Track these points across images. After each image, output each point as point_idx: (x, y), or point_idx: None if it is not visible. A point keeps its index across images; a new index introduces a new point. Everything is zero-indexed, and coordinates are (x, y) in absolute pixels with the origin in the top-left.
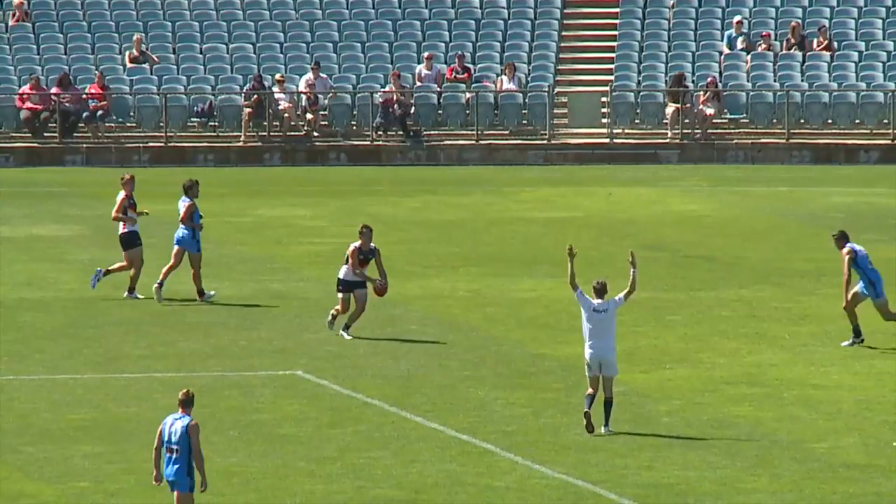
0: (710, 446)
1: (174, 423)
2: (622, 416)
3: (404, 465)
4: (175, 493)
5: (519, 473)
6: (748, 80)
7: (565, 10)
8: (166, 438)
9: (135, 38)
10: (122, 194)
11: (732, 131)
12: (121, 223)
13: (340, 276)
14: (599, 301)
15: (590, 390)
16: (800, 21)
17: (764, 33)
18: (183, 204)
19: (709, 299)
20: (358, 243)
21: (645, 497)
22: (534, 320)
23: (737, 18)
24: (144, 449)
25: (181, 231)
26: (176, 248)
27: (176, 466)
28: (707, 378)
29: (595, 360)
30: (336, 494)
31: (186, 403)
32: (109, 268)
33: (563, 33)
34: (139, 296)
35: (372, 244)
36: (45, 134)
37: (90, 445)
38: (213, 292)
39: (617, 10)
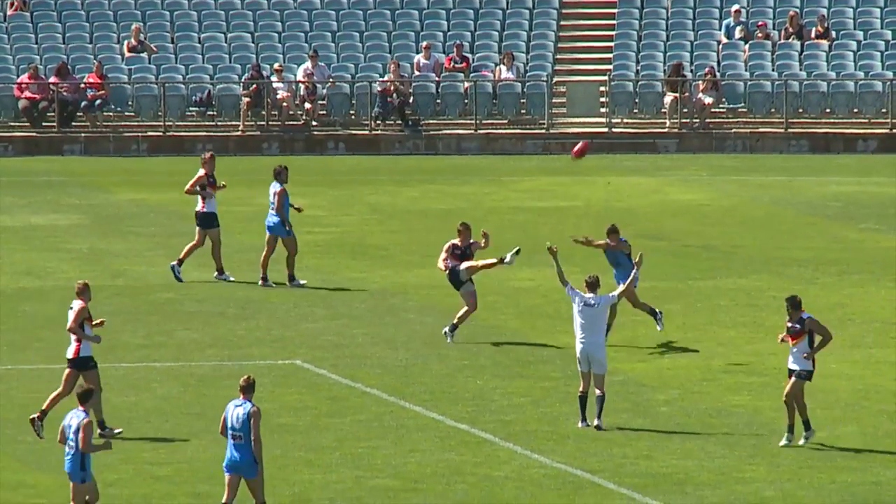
0: (708, 435)
1: (235, 410)
2: (620, 405)
3: (403, 455)
4: (228, 476)
5: (517, 463)
6: (746, 70)
7: None
8: (229, 425)
9: (133, 27)
10: (200, 171)
11: (730, 120)
12: (199, 201)
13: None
14: (591, 295)
15: (581, 387)
16: (798, 10)
17: (761, 22)
18: (273, 190)
19: (707, 288)
20: (456, 240)
21: (643, 486)
22: (532, 310)
23: (735, 7)
24: (143, 439)
25: (272, 218)
26: (268, 234)
27: (242, 453)
28: (705, 367)
29: (584, 354)
30: (335, 484)
31: (247, 389)
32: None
33: (562, 22)
34: (231, 277)
35: (471, 240)
36: (44, 123)
37: None
38: (304, 281)
39: None
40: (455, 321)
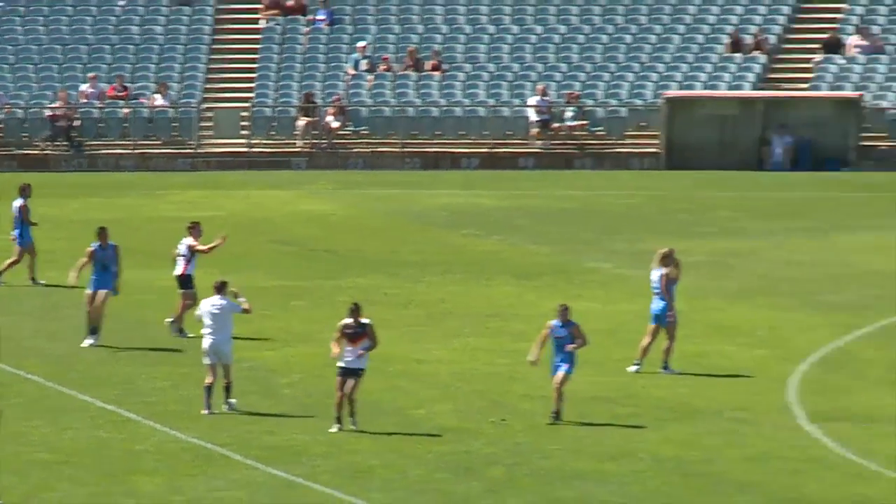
0: (323, 413)
1: None
2: (249, 388)
3: (58, 433)
4: None
5: (157, 438)
6: (370, 97)
7: (214, 37)
8: None
9: None
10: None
11: (354, 141)
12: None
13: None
14: (218, 296)
15: (207, 379)
16: (416, 45)
17: (385, 56)
18: (16, 205)
19: (329, 287)
20: (190, 239)
21: (266, 458)
22: (173, 305)
23: (361, 44)
24: None
25: (15, 230)
26: (18, 247)
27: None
28: (325, 355)
29: (213, 349)
30: None
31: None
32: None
33: (212, 56)
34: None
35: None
36: None
37: None
38: (43, 281)
39: (259, 35)
40: (177, 319)
